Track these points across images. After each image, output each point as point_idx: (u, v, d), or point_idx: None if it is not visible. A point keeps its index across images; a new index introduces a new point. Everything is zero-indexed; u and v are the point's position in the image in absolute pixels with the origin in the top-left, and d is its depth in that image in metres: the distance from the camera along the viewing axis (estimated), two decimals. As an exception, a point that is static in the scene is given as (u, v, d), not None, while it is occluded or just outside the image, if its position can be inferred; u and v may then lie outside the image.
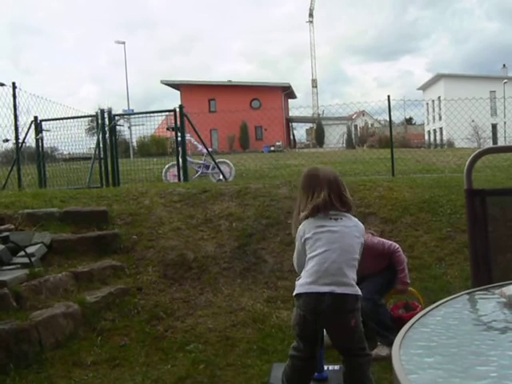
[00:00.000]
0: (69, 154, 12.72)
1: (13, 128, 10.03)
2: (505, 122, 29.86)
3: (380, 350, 3.73)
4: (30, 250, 4.96)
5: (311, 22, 64.58)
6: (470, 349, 1.21)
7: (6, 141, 10.26)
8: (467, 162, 2.66)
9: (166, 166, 11.83)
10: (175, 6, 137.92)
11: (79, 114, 11.78)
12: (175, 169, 10.70)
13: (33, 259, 4.82)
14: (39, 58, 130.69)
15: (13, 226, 5.58)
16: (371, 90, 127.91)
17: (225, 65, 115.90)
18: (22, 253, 4.87)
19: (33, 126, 10.60)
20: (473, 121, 14.75)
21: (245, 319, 4.47)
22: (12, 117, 9.91)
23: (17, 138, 10.14)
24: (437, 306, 1.50)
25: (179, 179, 10.27)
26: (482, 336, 1.32)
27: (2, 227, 5.44)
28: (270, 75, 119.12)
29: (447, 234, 5.80)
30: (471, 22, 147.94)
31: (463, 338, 1.29)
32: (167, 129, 12.14)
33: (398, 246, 4.01)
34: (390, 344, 3.79)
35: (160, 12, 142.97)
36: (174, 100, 45.31)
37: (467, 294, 1.69)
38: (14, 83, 9.82)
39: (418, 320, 1.38)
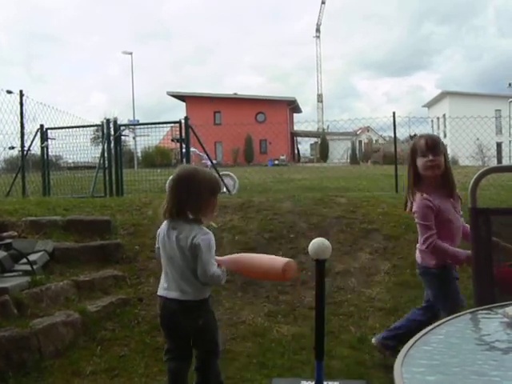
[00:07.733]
0: (73, 162, 12.77)
1: (19, 135, 10.09)
2: (510, 141, 29.81)
3: None
4: (32, 257, 4.96)
5: (318, 37, 65.09)
6: (472, 368, 1.20)
7: (12, 148, 10.31)
8: (472, 181, 2.66)
9: (170, 177, 11.84)
10: (189, 18, 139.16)
11: (85, 124, 11.85)
12: (179, 180, 10.69)
13: (35, 267, 4.81)
14: (52, 66, 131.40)
15: (16, 233, 5.59)
16: (380, 106, 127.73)
17: (236, 77, 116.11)
18: (24, 260, 4.87)
19: (38, 134, 10.65)
20: (477, 139, 14.72)
21: (245, 333, 4.45)
22: (18, 124, 9.98)
23: (22, 145, 10.19)
24: (439, 325, 1.49)
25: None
26: (485, 356, 1.31)
27: (5, 234, 5.45)
28: (280, 88, 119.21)
29: (450, 252, 5.76)
30: (485, 39, 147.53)
31: (466, 357, 1.28)
32: (172, 140, 12.17)
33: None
34: None
35: (174, 23, 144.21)
36: (183, 111, 45.39)
37: (470, 313, 1.68)
38: (21, 91, 9.89)
39: (419, 338, 1.37)
